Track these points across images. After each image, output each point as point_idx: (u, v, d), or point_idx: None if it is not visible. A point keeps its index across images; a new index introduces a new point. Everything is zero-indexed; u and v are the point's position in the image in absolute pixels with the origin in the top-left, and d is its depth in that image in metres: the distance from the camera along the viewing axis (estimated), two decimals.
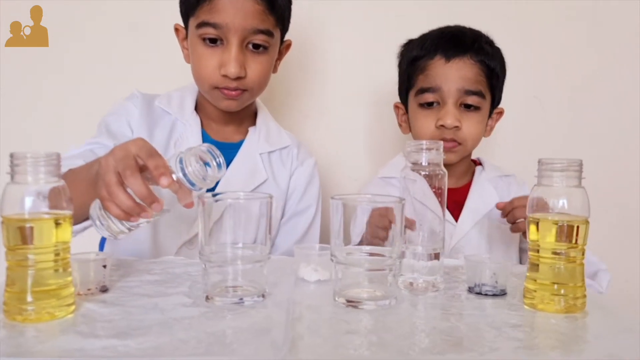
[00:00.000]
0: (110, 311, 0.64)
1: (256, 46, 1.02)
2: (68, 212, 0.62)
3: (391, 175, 1.19)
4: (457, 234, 1.13)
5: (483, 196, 1.17)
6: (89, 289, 0.70)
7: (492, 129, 1.22)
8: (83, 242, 0.85)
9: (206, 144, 0.73)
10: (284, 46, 1.13)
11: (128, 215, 0.69)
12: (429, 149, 0.77)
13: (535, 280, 0.68)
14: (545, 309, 0.66)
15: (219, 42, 1.01)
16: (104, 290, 0.71)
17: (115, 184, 0.67)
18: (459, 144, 1.12)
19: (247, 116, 1.16)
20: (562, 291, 0.66)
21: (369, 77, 1.47)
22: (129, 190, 0.68)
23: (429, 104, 1.13)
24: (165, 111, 1.09)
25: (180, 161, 0.71)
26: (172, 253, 1.04)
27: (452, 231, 1.13)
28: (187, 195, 0.70)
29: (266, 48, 1.03)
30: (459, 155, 1.14)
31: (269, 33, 1.02)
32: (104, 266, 0.71)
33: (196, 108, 1.12)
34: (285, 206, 1.14)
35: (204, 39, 1.01)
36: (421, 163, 0.78)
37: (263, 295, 0.69)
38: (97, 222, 0.72)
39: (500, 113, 1.22)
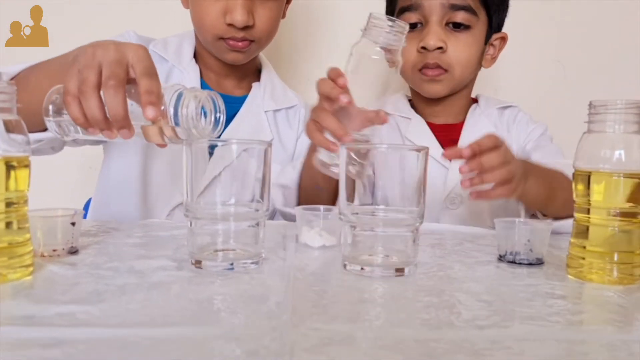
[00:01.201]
0: (75, 274, 0.53)
1: None
2: (24, 154, 0.51)
3: (386, 110, 1.07)
4: (451, 179, 0.99)
5: (478, 133, 1.02)
6: (54, 250, 0.60)
7: (494, 58, 1.05)
8: (63, 201, 0.74)
9: (214, 92, 0.62)
10: None
11: (87, 124, 0.57)
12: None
13: (583, 247, 0.57)
14: (594, 280, 0.56)
15: None
16: (73, 251, 0.61)
17: (92, 85, 0.56)
18: (445, 70, 0.97)
19: (250, 70, 1.05)
20: (616, 258, 0.55)
21: (346, 31, 1.34)
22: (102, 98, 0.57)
23: (412, 27, 0.97)
24: (161, 57, 0.97)
25: (179, 97, 0.59)
26: (163, 217, 0.93)
27: (445, 175, 1.00)
28: (161, 134, 0.59)
29: None
30: (446, 85, 0.99)
31: None
32: (73, 224, 0.61)
33: (194, 57, 1.01)
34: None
35: None
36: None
37: (258, 262, 0.59)
38: (50, 111, 0.61)
39: (503, 39, 1.04)
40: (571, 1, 1.36)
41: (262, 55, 1.07)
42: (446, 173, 0.99)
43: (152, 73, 0.58)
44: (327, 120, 0.66)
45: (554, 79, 1.40)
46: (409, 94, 1.11)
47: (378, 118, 0.68)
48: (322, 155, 0.71)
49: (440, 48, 0.95)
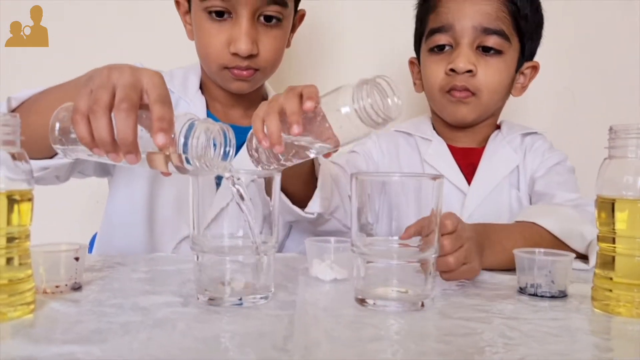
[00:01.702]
0: (78, 311, 0.51)
1: (269, 18, 0.89)
2: (27, 187, 0.50)
3: (407, 130, 1.05)
4: (469, 204, 0.96)
5: (498, 159, 0.99)
6: (57, 286, 0.58)
7: (524, 87, 1.02)
8: (69, 237, 0.72)
9: (226, 125, 0.60)
10: (298, 17, 1.00)
11: (93, 145, 0.55)
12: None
13: (610, 279, 0.54)
14: (622, 313, 0.53)
15: (226, 16, 0.88)
16: (77, 287, 0.59)
17: (104, 105, 0.54)
18: (473, 94, 0.94)
19: (256, 100, 1.04)
20: None
21: (386, 58, 1.34)
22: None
23: (440, 48, 0.95)
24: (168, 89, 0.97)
25: (190, 127, 0.58)
26: (169, 251, 0.91)
27: (462, 201, 0.96)
28: (167, 162, 0.57)
29: (280, 20, 0.91)
30: (473, 109, 0.95)
31: (283, 3, 0.89)
32: (76, 259, 0.59)
33: (200, 88, 1.00)
34: None
35: (209, 12, 0.88)
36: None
37: (267, 296, 0.56)
38: (56, 128, 0.60)
39: (535, 68, 1.01)
40: (579, 28, 1.36)
41: (268, 85, 1.07)
42: (463, 198, 0.97)
43: (166, 101, 0.57)
44: (273, 122, 0.62)
45: (564, 105, 1.39)
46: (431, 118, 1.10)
47: (333, 144, 0.62)
48: (262, 156, 0.69)
49: (470, 71, 0.92)
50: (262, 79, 0.95)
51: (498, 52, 0.94)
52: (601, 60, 1.37)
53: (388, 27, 1.34)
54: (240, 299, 0.55)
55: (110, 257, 0.77)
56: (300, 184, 0.81)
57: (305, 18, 1.03)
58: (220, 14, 0.88)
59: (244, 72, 0.91)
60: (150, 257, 0.79)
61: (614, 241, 0.54)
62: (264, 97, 1.06)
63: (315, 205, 0.80)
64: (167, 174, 0.59)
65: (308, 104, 0.59)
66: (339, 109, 0.58)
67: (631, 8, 1.36)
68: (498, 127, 1.07)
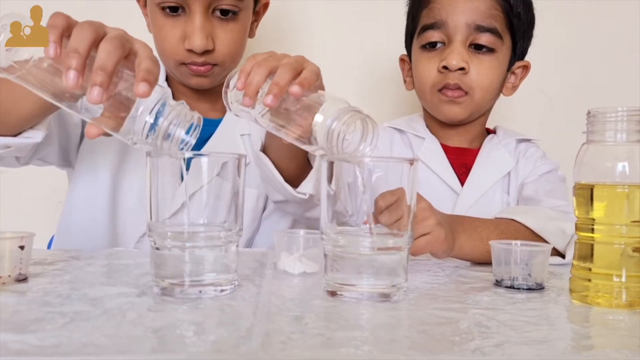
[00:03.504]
0: (18, 301, 0.47)
1: (224, 12, 0.86)
2: None
3: (400, 127, 1.02)
4: (461, 204, 0.94)
5: (492, 162, 0.97)
6: None
7: (515, 87, 1.01)
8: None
9: (198, 115, 0.57)
10: (260, 6, 0.97)
11: (58, 54, 0.54)
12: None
13: (589, 270, 0.52)
14: (601, 304, 0.51)
15: (180, 11, 0.85)
16: (22, 279, 0.54)
17: (90, 29, 0.54)
18: (465, 92, 0.92)
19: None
20: (625, 280, 0.50)
21: (361, 46, 1.31)
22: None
23: (432, 45, 0.93)
24: None
25: (164, 105, 0.54)
26: (131, 247, 0.87)
27: (454, 201, 0.95)
28: (118, 125, 0.53)
29: (236, 13, 0.88)
30: (466, 108, 0.94)
31: None
32: (21, 247, 0.54)
33: (167, 80, 0.96)
34: (267, 197, 0.98)
35: (163, 8, 0.86)
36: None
37: (230, 288, 0.53)
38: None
39: (526, 68, 1.00)
40: (548, 31, 1.36)
41: None
42: (456, 198, 0.95)
43: (156, 62, 0.54)
44: (257, 76, 0.59)
45: (539, 109, 1.39)
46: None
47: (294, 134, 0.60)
48: (232, 94, 0.64)
49: (462, 69, 0.91)
50: (221, 72, 0.91)
51: (490, 50, 0.92)
52: (579, 64, 1.38)
53: (369, 24, 1.32)
54: (200, 291, 0.51)
55: (65, 251, 0.72)
56: (294, 165, 0.77)
57: (290, 14, 1.00)
58: (174, 9, 0.86)
59: (202, 68, 0.88)
60: (109, 251, 0.75)
61: (592, 230, 0.52)
62: None
63: (308, 186, 0.76)
64: (96, 135, 0.54)
65: (294, 89, 0.56)
66: (318, 113, 0.55)
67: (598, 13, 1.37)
68: (490, 130, 1.06)
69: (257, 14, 0.96)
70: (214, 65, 0.88)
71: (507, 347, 0.38)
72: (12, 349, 0.35)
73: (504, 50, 0.94)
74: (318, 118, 0.55)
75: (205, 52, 0.86)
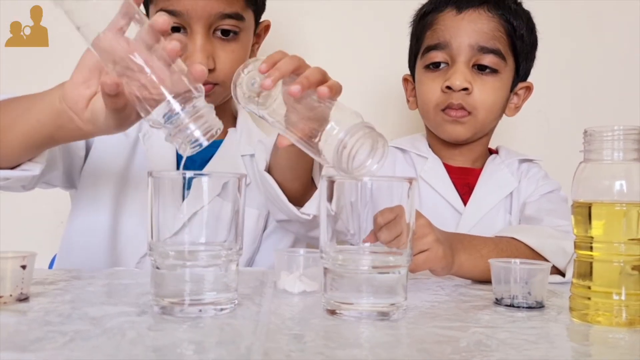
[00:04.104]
0: (19, 320, 0.47)
1: (225, 32, 0.88)
2: None
3: (403, 146, 1.02)
4: (464, 225, 0.93)
5: (495, 182, 0.98)
6: (0, 296, 0.53)
7: (517, 108, 1.02)
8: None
9: (220, 125, 0.57)
10: (262, 28, 0.98)
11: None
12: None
13: (588, 288, 0.52)
14: (602, 322, 0.51)
15: (182, 32, 0.87)
16: (23, 298, 0.54)
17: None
18: (469, 113, 0.93)
19: (225, 116, 1.01)
20: (624, 298, 0.50)
21: (365, 66, 1.32)
22: None
23: (436, 65, 0.95)
24: None
25: (195, 100, 0.56)
26: (132, 267, 0.87)
27: (457, 221, 0.94)
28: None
29: (237, 34, 0.89)
30: (469, 128, 0.95)
31: (238, 17, 0.88)
32: (23, 267, 0.54)
33: None
34: (268, 216, 0.98)
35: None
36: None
37: (230, 307, 0.53)
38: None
39: (529, 89, 1.01)
40: (548, 51, 1.38)
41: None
42: (459, 218, 0.95)
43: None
44: (287, 64, 0.60)
45: (538, 129, 1.39)
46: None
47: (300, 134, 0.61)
48: (245, 79, 0.64)
49: (465, 89, 0.92)
50: (222, 92, 0.92)
51: (494, 71, 0.94)
52: (576, 83, 1.39)
53: (373, 44, 1.33)
54: (200, 310, 0.51)
55: (66, 270, 0.72)
56: (298, 185, 0.78)
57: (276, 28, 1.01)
58: (175, 29, 0.87)
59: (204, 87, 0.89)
60: (110, 271, 0.75)
61: (591, 248, 0.52)
62: (235, 116, 1.03)
63: (312, 207, 0.76)
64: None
65: (323, 90, 0.57)
66: (333, 122, 0.56)
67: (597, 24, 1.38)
68: (493, 151, 1.07)
69: (258, 36, 0.98)
70: (215, 84, 0.90)
71: None
72: None
73: (507, 71, 0.96)
74: (331, 128, 0.55)
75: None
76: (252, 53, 0.97)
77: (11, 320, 0.47)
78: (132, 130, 0.91)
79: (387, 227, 0.55)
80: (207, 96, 0.90)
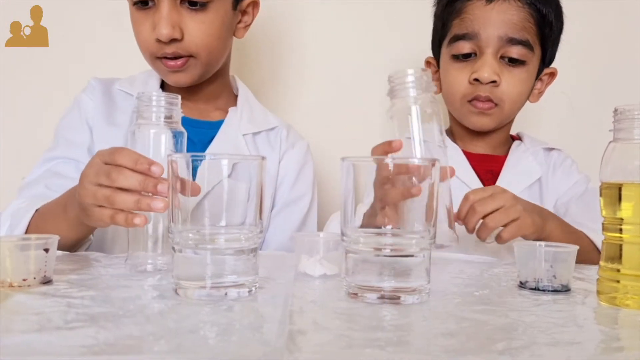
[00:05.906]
0: (43, 303, 0.47)
1: (193, 3, 0.87)
2: None
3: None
4: None
5: (521, 170, 0.97)
6: (24, 279, 0.53)
7: (541, 93, 1.01)
8: None
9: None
10: (247, 4, 0.95)
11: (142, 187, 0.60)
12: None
13: (617, 271, 0.51)
14: (630, 306, 0.49)
15: (150, 4, 0.87)
16: (46, 281, 0.55)
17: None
18: (495, 104, 0.93)
19: (223, 95, 1.00)
20: None
21: (384, 52, 1.29)
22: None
23: (464, 56, 0.93)
24: (127, 94, 0.94)
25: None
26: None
27: None
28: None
29: (205, 5, 0.87)
30: (495, 119, 0.95)
31: None
32: (46, 250, 0.55)
33: (163, 88, 0.97)
34: (275, 195, 0.98)
35: (135, 3, 0.87)
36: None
37: (251, 290, 0.52)
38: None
39: (553, 75, 1.00)
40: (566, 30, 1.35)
41: (240, 81, 1.04)
42: None
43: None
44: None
45: (561, 110, 1.36)
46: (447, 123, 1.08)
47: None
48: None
49: (494, 82, 0.91)
50: (198, 67, 0.90)
51: (521, 63, 0.92)
52: (600, 65, 1.35)
53: (394, 27, 1.31)
54: (226, 293, 0.51)
55: (88, 253, 0.73)
56: None
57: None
58: (144, 2, 0.87)
59: (177, 63, 0.88)
60: (131, 254, 0.75)
61: (620, 230, 0.51)
62: (235, 96, 1.02)
63: None
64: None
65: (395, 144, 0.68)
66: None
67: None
68: (514, 137, 1.06)
69: (245, 13, 0.96)
70: (188, 57, 0.88)
71: (536, 349, 0.37)
72: (38, 349, 0.35)
73: (534, 60, 0.95)
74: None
75: (174, 42, 0.86)
76: (238, 31, 0.96)
77: (36, 302, 0.47)
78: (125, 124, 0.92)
79: (499, 211, 0.70)
80: (181, 71, 0.89)
